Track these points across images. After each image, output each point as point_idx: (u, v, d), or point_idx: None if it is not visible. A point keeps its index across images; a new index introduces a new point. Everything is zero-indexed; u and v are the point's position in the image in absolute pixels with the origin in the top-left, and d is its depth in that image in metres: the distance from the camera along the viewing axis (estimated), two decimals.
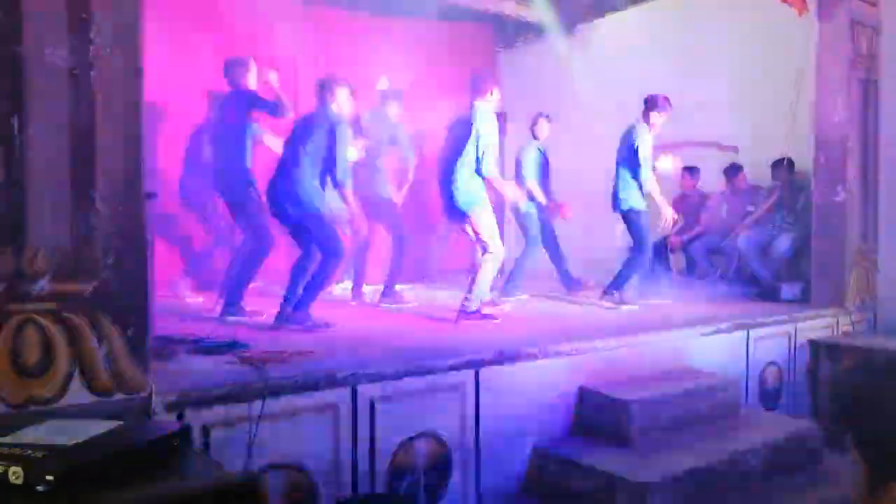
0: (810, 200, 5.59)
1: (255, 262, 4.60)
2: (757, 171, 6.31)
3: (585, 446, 3.43)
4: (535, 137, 6.25)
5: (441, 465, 3.13)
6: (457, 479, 3.17)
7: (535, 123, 6.26)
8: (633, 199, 5.38)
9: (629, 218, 5.43)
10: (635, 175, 5.32)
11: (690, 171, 6.75)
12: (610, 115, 6.53)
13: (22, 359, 2.10)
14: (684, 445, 3.44)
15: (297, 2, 7.56)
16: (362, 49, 7.26)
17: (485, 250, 4.58)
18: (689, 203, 6.76)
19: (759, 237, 5.98)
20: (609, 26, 8.07)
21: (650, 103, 5.43)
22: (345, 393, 2.83)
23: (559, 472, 3.32)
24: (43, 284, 2.12)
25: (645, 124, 5.39)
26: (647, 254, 5.48)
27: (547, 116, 6.28)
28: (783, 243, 5.82)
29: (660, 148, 7.16)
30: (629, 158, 5.35)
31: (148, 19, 2.33)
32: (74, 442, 1.72)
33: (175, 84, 5.74)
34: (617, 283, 5.38)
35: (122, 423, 1.89)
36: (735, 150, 6.66)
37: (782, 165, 5.88)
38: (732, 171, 6.44)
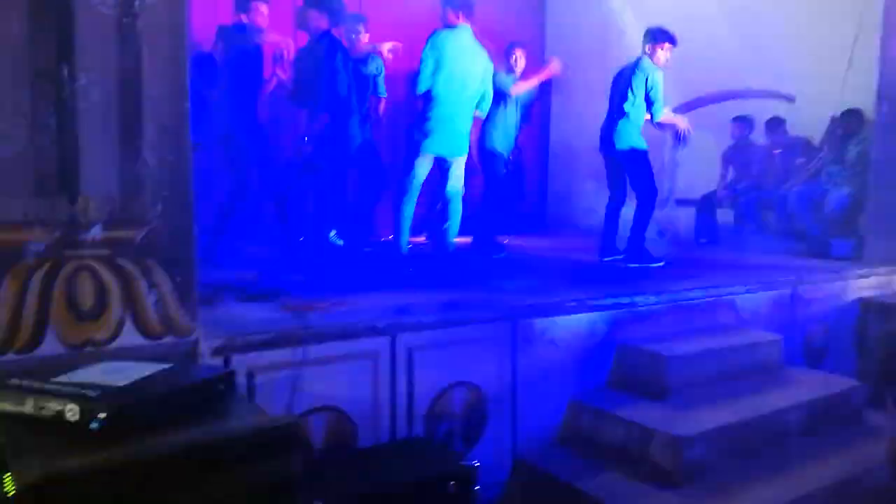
0: (866, 153, 5.37)
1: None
2: (813, 123, 6.07)
3: (622, 399, 3.45)
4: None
5: (478, 414, 3.19)
6: (493, 427, 3.23)
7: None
8: (634, 137, 5.02)
9: (631, 158, 5.03)
10: (636, 115, 5.00)
11: (743, 120, 6.53)
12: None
13: (78, 303, 2.20)
14: (723, 401, 3.43)
15: None
16: None
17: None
18: (740, 154, 6.58)
19: (811, 191, 5.80)
20: None
21: (657, 37, 5.00)
22: (385, 341, 2.89)
23: (595, 423, 3.35)
24: (96, 232, 2.20)
25: (650, 60, 4.99)
26: (656, 197, 5.10)
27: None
28: (836, 198, 5.63)
29: (711, 97, 6.96)
30: (628, 95, 4.99)
31: None
32: (126, 383, 1.81)
33: None
34: (635, 248, 5.03)
35: (170, 365, 1.98)
36: (792, 98, 6.42)
37: (842, 117, 5.65)
38: (775, 123, 6.23)
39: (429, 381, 3.02)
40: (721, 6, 6.69)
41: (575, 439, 3.40)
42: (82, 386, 1.75)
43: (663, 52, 5.01)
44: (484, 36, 4.99)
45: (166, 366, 1.98)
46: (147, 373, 1.90)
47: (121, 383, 1.80)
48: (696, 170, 6.69)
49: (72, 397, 1.67)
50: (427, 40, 4.53)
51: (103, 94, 2.16)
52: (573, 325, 3.49)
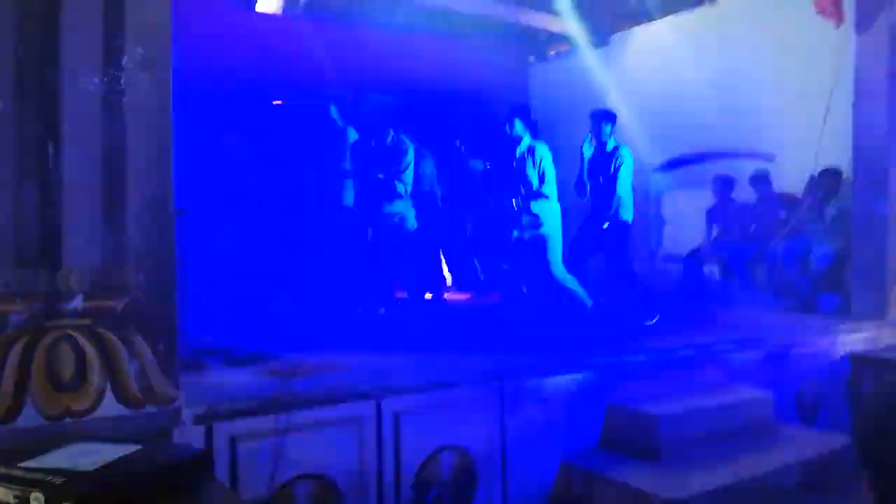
0: (846, 209, 5.46)
1: None
2: (793, 180, 6.19)
3: (614, 460, 3.40)
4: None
5: (467, 478, 3.14)
6: (483, 491, 3.17)
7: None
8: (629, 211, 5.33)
9: (626, 231, 5.33)
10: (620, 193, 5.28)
11: (725, 179, 6.66)
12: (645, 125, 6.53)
13: (57, 373, 2.19)
14: (716, 462, 3.38)
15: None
16: None
17: None
18: (723, 212, 6.67)
19: (797, 247, 5.86)
20: (644, 37, 8.02)
21: (611, 120, 5.38)
22: (370, 405, 2.87)
23: (587, 486, 3.29)
24: (77, 302, 2.21)
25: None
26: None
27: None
28: (821, 254, 5.68)
29: (694, 157, 7.12)
30: (616, 178, 5.27)
31: None
32: (94, 467, 1.79)
33: None
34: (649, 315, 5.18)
35: (142, 446, 1.95)
36: (772, 157, 6.55)
37: (821, 175, 5.77)
38: (758, 178, 6.36)
39: (416, 446, 2.98)
40: (702, 70, 6.92)
41: (567, 502, 3.33)
42: (49, 472, 1.73)
43: None
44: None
45: (138, 447, 1.95)
46: (118, 455, 1.88)
47: (89, 468, 1.78)
48: (683, 226, 6.78)
49: (37, 484, 1.66)
50: None
51: (87, 167, 2.21)
52: (563, 384, 3.46)
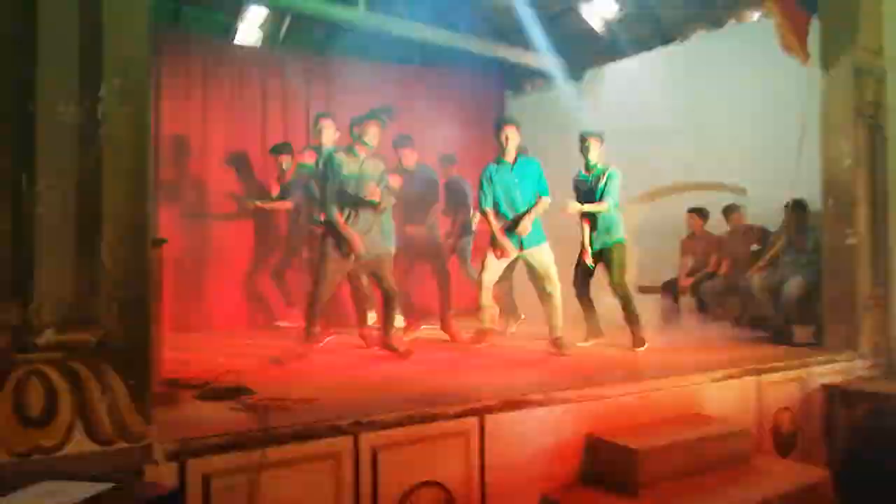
0: (818, 241, 5.58)
1: None
2: (767, 213, 6.31)
3: (594, 496, 3.38)
4: None
5: None
6: None
7: None
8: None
9: (620, 251, 5.44)
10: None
11: (699, 212, 6.76)
12: (619, 159, 6.61)
13: (26, 409, 2.12)
14: (696, 496, 3.38)
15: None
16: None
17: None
18: (698, 244, 6.76)
19: (770, 279, 5.94)
20: (617, 73, 8.20)
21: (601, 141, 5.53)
22: (347, 441, 2.82)
23: None
24: (48, 335, 2.16)
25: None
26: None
27: None
28: (794, 285, 5.77)
29: (667, 189, 7.25)
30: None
31: None
32: None
33: None
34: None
35: (112, 485, 1.89)
36: (743, 191, 6.69)
37: (792, 208, 5.89)
38: (728, 210, 6.49)
39: (393, 482, 2.93)
40: (674, 104, 7.07)
41: None
42: None
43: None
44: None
45: (108, 485, 1.89)
46: (87, 494, 1.82)
47: None
48: (657, 258, 6.85)
49: None
50: None
51: (61, 199, 2.18)
52: (542, 418, 3.45)
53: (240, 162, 7.21)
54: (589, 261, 5.47)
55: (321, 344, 5.11)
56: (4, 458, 2.09)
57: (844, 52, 5.29)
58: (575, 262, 5.60)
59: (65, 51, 2.26)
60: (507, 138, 5.15)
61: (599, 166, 5.53)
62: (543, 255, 5.18)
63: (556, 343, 5.09)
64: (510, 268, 5.52)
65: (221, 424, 2.73)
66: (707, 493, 3.41)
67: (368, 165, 4.82)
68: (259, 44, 7.95)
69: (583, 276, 5.56)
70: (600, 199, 5.42)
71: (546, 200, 5.15)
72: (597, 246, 5.49)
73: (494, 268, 5.20)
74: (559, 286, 5.20)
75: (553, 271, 5.18)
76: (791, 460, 4.40)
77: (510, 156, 5.19)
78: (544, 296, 5.21)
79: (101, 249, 2.23)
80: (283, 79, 7.54)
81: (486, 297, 5.25)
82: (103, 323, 2.24)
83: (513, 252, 5.12)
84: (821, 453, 4.75)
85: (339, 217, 4.67)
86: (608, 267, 5.46)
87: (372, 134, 4.79)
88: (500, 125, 5.24)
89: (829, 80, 5.36)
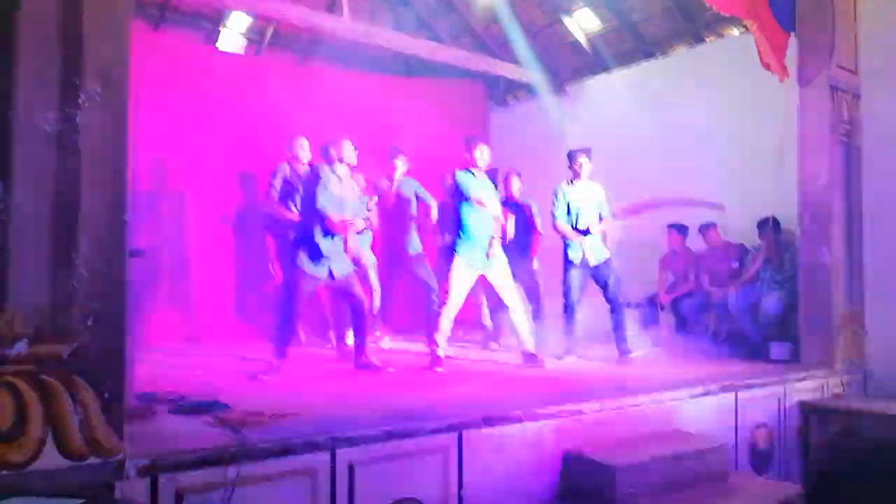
0: (794, 259, 5.64)
1: None
2: (743, 230, 6.38)
3: None
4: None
5: None
6: None
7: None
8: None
9: (610, 267, 5.56)
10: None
11: (679, 228, 6.81)
12: (599, 173, 6.66)
13: None
14: None
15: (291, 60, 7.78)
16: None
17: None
18: (677, 260, 6.81)
19: (748, 295, 6.00)
20: (599, 87, 8.27)
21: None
22: (324, 456, 2.79)
23: None
24: (20, 347, 2.11)
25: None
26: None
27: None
28: (772, 302, 5.83)
29: (646, 204, 7.32)
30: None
31: None
32: None
33: None
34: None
35: (82, 501, 1.85)
36: (721, 207, 6.76)
37: (768, 225, 5.95)
38: (705, 227, 6.54)
39: (371, 499, 2.89)
40: (654, 120, 7.14)
41: None
42: None
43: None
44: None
45: (79, 502, 1.85)
46: None
47: None
48: (636, 273, 6.88)
49: None
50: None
51: (38, 208, 2.13)
52: (520, 434, 3.43)
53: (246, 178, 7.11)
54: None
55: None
56: None
57: (821, 70, 5.38)
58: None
59: (44, 57, 2.22)
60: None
61: (587, 182, 5.70)
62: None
63: (537, 357, 5.13)
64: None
65: (195, 439, 2.68)
66: None
67: (348, 187, 4.91)
68: (242, 51, 7.92)
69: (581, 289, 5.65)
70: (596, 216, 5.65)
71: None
72: (595, 259, 5.58)
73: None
74: None
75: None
76: (767, 477, 4.42)
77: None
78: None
79: (77, 260, 2.18)
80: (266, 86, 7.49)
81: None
82: (77, 335, 2.19)
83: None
84: (796, 470, 4.78)
85: (316, 230, 4.69)
86: (607, 278, 5.56)
87: (349, 152, 4.89)
88: (572, 156, 5.72)
89: (806, 97, 5.45)
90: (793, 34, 5.49)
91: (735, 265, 6.33)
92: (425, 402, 3.72)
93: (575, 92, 8.52)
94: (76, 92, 2.25)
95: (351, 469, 2.84)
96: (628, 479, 3.42)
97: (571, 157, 5.75)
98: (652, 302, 6.77)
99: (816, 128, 5.40)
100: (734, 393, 4.49)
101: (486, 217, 5.15)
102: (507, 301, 5.26)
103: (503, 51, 8.09)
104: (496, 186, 5.98)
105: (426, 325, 5.73)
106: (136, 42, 2.51)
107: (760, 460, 4.60)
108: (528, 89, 8.52)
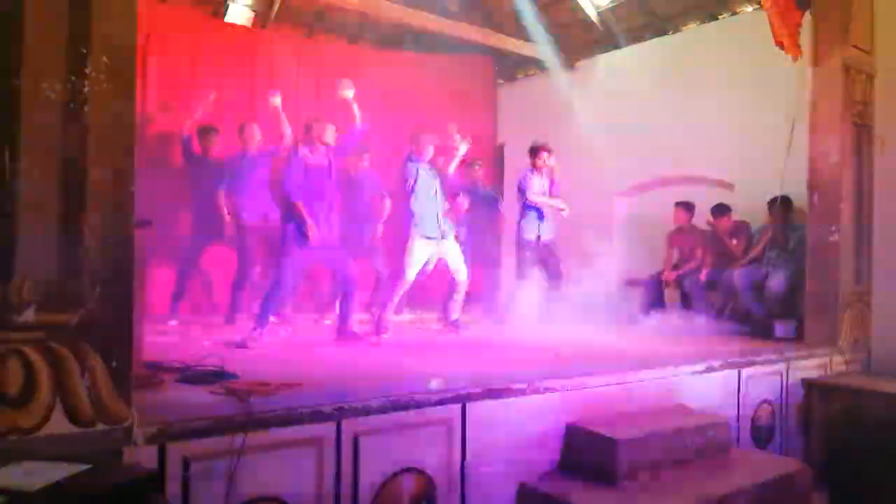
0: (804, 238, 5.62)
1: None
2: (752, 208, 6.34)
3: (572, 484, 3.39)
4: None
5: (426, 501, 3.10)
6: None
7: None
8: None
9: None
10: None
11: (685, 206, 6.78)
12: (609, 150, 6.68)
13: (4, 388, 2.10)
14: (672, 486, 3.41)
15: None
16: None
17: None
18: (683, 238, 6.79)
19: (753, 274, 5.98)
20: (609, 63, 8.18)
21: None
22: (329, 426, 2.82)
23: None
24: (29, 314, 2.14)
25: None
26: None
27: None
28: (777, 281, 5.82)
29: (656, 182, 7.28)
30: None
31: None
32: (38, 487, 1.72)
33: None
34: None
35: (90, 466, 1.88)
36: (731, 186, 6.72)
37: (776, 204, 5.92)
38: (718, 212, 6.45)
39: (375, 469, 2.93)
40: (664, 98, 7.07)
41: None
42: None
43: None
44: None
45: (87, 466, 1.88)
46: (65, 475, 1.81)
47: (34, 488, 1.71)
48: (644, 251, 6.88)
49: None
50: None
51: (45, 176, 2.14)
52: (524, 406, 3.46)
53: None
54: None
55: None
56: None
57: (835, 49, 5.31)
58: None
59: (51, 26, 2.22)
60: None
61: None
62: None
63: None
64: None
65: (202, 408, 2.72)
66: (685, 483, 3.45)
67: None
68: (249, 24, 7.87)
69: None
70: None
71: None
72: (549, 235, 6.43)
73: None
74: None
75: None
76: (768, 452, 4.45)
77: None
78: None
79: (85, 228, 2.20)
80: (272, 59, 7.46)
81: None
82: (85, 303, 2.21)
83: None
84: (798, 447, 4.82)
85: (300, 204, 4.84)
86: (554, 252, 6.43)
87: (330, 133, 5.10)
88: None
89: (819, 76, 5.39)
90: (807, 12, 5.42)
91: (734, 241, 6.32)
92: (429, 374, 3.75)
93: (585, 68, 8.44)
94: (84, 62, 2.25)
95: (356, 439, 2.88)
96: (630, 452, 3.45)
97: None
98: (658, 278, 6.77)
99: (829, 107, 5.35)
100: (737, 370, 4.51)
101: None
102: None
103: (513, 26, 7.99)
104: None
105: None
106: (143, 14, 2.50)
107: (762, 436, 4.63)
108: (538, 65, 8.43)
